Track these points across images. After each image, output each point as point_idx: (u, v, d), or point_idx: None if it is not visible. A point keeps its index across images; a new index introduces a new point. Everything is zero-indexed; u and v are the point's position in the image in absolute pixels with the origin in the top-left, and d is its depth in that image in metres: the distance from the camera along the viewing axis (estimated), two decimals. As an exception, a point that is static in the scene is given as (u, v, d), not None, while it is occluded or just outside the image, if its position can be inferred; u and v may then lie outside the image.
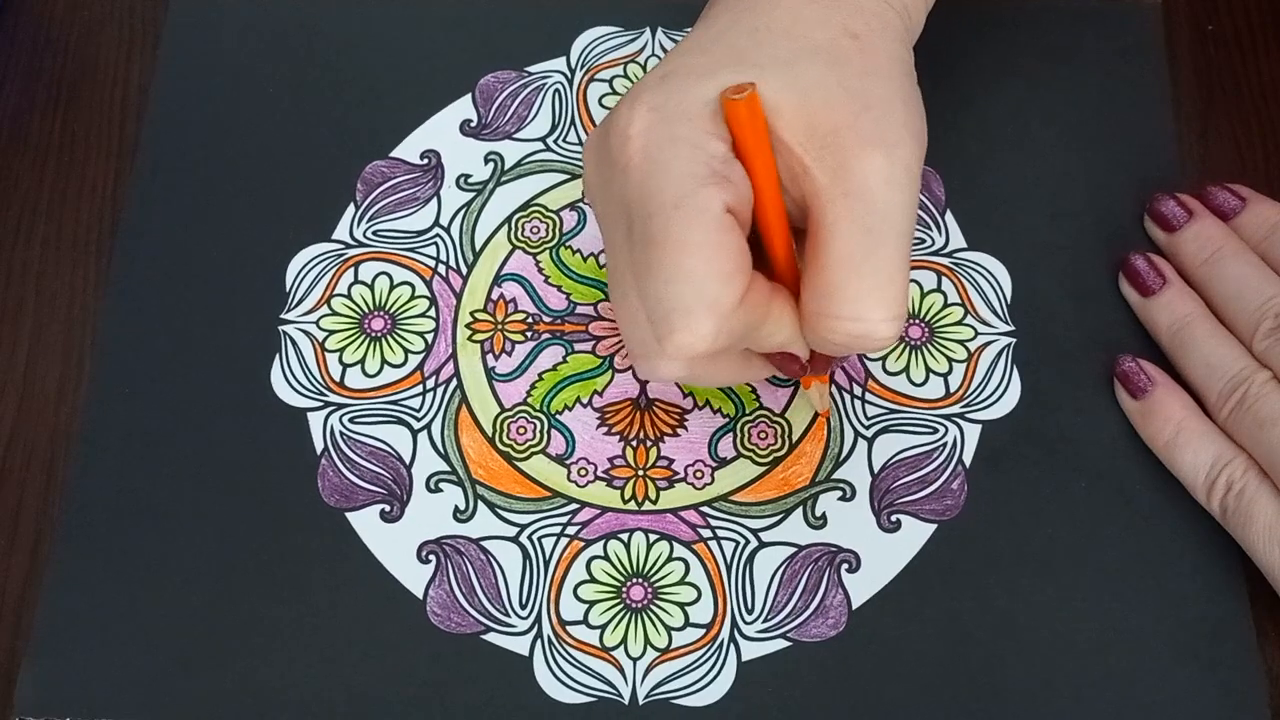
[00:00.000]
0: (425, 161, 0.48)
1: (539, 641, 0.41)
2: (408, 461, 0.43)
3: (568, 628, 0.41)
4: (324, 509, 0.43)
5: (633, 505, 0.43)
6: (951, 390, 0.44)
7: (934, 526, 0.42)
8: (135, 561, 0.42)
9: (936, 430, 0.44)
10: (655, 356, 0.35)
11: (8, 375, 0.45)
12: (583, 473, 0.43)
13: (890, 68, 0.37)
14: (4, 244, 0.47)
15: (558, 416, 0.44)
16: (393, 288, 0.46)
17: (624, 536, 0.42)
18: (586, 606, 0.42)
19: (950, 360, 0.45)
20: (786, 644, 0.41)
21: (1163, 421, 0.42)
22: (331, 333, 0.45)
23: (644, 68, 0.49)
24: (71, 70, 0.50)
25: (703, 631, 0.41)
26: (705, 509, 0.43)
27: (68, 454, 0.44)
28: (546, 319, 0.46)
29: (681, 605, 0.42)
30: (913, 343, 0.45)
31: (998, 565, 0.42)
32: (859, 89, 0.36)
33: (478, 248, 0.47)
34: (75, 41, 0.51)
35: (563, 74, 0.50)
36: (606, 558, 0.42)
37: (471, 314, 0.46)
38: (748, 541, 0.42)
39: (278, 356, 0.45)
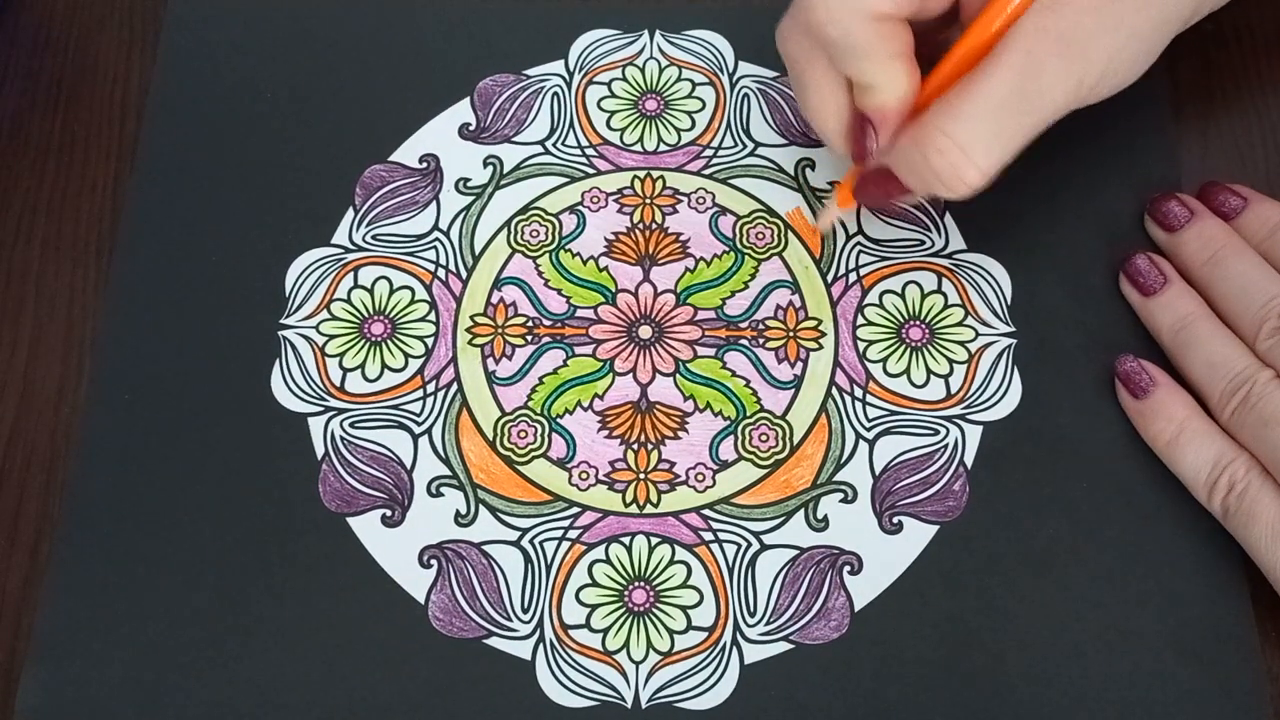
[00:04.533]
0: (424, 165, 0.48)
1: (541, 646, 0.41)
2: (409, 466, 0.43)
3: (570, 632, 0.41)
4: (325, 514, 0.43)
5: (634, 509, 0.43)
6: (952, 391, 0.44)
7: (936, 528, 0.42)
8: (136, 567, 0.42)
9: (938, 432, 0.44)
10: None
11: (8, 375, 0.45)
12: (584, 476, 0.43)
13: (1156, 8, 0.40)
14: (4, 244, 0.47)
15: (559, 420, 0.44)
16: (392, 292, 0.46)
17: (625, 540, 0.42)
18: (588, 610, 0.42)
19: (951, 362, 0.45)
20: (789, 647, 0.41)
21: (1165, 421, 0.42)
22: (331, 337, 0.45)
23: (642, 70, 0.49)
24: (71, 70, 0.50)
25: (705, 635, 0.41)
26: (707, 512, 0.43)
27: (68, 454, 0.44)
28: (547, 322, 0.46)
29: (684, 608, 0.42)
30: (913, 344, 0.45)
31: (999, 566, 0.42)
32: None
33: (477, 251, 0.47)
34: (75, 41, 0.51)
35: (561, 77, 0.49)
36: (608, 561, 0.42)
37: (471, 318, 0.46)
38: (749, 544, 0.42)
39: (278, 361, 0.45)
